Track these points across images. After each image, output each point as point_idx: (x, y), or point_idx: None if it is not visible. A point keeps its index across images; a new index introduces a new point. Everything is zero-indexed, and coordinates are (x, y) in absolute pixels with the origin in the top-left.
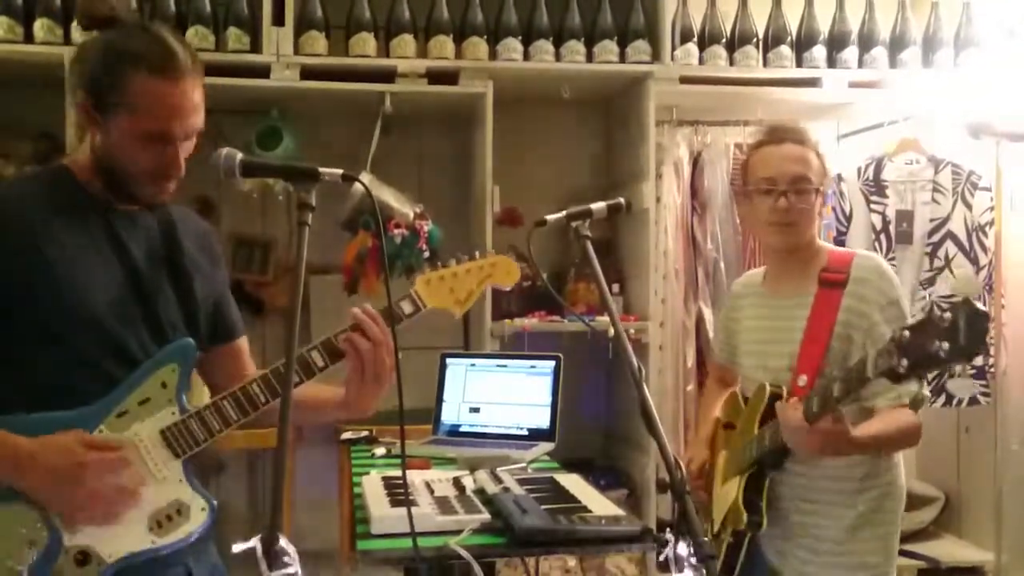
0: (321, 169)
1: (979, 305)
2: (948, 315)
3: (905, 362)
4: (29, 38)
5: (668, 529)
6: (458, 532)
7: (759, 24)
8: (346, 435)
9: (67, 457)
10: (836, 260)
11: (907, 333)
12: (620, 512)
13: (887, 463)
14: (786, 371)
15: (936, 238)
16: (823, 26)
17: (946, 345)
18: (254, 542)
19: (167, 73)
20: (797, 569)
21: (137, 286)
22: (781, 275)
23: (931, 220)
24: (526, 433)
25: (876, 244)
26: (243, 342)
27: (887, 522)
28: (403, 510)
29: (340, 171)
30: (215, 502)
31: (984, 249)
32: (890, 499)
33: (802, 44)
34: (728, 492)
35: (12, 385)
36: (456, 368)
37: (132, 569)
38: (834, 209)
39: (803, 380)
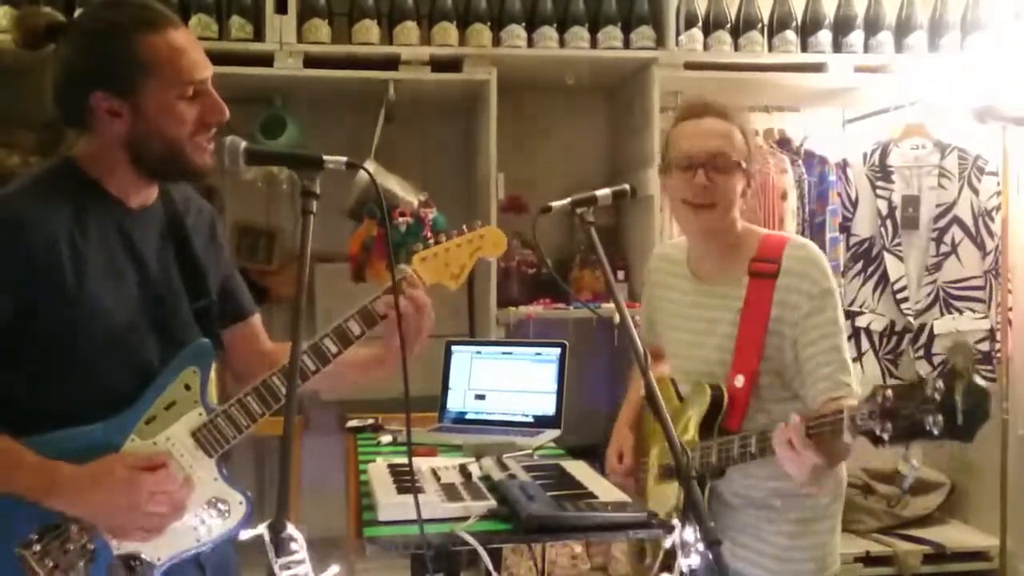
0: (325, 157)
1: (980, 380)
2: (942, 385)
3: (889, 427)
4: None
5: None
6: (464, 519)
7: (764, 9)
8: (352, 423)
9: (115, 477)
10: (767, 248)
11: (890, 394)
12: (626, 498)
13: None
14: (718, 365)
15: (942, 223)
16: (828, 10)
17: (940, 420)
18: (262, 529)
19: (167, 25)
20: (737, 560)
21: (151, 293)
22: (706, 259)
23: (937, 205)
24: (532, 420)
25: (882, 229)
26: (256, 319)
27: (830, 516)
28: (410, 497)
29: (344, 159)
30: (250, 494)
31: (991, 234)
32: (835, 485)
33: (807, 29)
34: (665, 494)
35: (32, 403)
36: (461, 355)
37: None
38: (840, 195)
39: (740, 381)
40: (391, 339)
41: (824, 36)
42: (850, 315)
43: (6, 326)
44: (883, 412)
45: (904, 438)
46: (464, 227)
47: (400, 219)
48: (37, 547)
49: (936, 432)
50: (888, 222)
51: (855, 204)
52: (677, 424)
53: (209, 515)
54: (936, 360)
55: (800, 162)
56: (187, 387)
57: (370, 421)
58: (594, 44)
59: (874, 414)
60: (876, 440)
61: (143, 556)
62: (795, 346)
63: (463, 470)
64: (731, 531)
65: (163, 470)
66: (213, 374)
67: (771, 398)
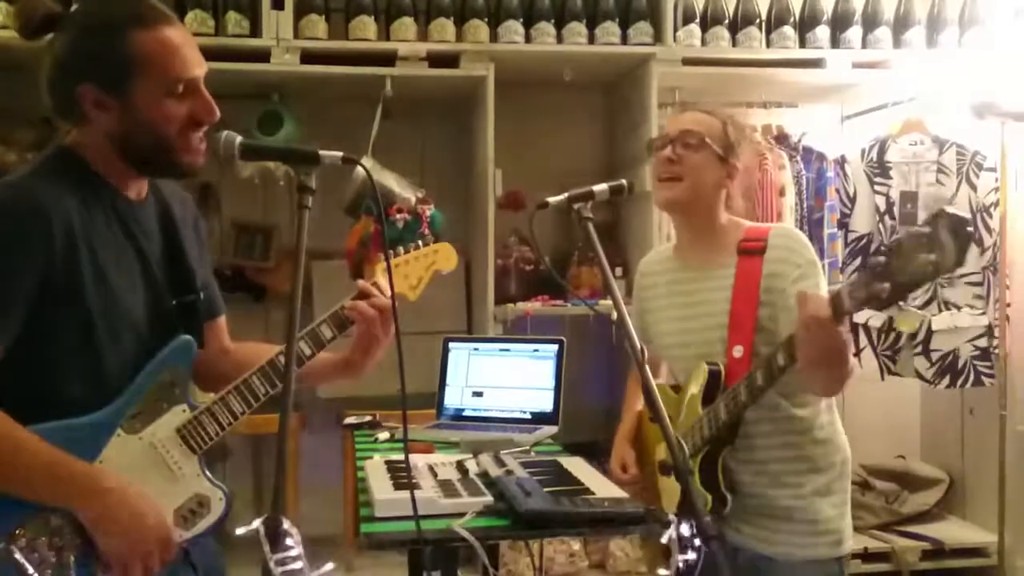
0: (321, 152)
1: (955, 210)
2: (927, 228)
3: (887, 285)
4: None
5: None
6: (461, 515)
7: (762, 4)
8: (349, 420)
9: (149, 512)
10: (753, 232)
11: (882, 259)
12: (623, 494)
13: (830, 421)
14: (716, 342)
15: None
16: (826, 6)
17: (933, 256)
18: (257, 524)
19: (160, 21)
20: (760, 543)
21: (151, 284)
22: (692, 248)
23: (935, 201)
24: (529, 417)
25: (880, 225)
26: (223, 319)
27: (842, 489)
28: (406, 493)
29: (340, 154)
30: (229, 491)
31: (989, 230)
32: (845, 467)
33: (805, 24)
34: (678, 489)
35: (28, 392)
36: (459, 352)
37: None
38: (838, 191)
39: (739, 351)
40: (360, 342)
41: (822, 32)
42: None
43: (29, 311)
44: (877, 275)
45: (904, 288)
46: (420, 242)
47: (397, 215)
48: (23, 541)
49: (932, 268)
50: (886, 218)
51: (853, 200)
52: (677, 413)
53: (191, 512)
54: (934, 356)
55: (798, 158)
56: (172, 383)
57: (367, 418)
58: (591, 40)
59: (869, 280)
60: (879, 302)
61: None
62: (784, 310)
63: (460, 466)
64: (744, 512)
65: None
66: None
67: None
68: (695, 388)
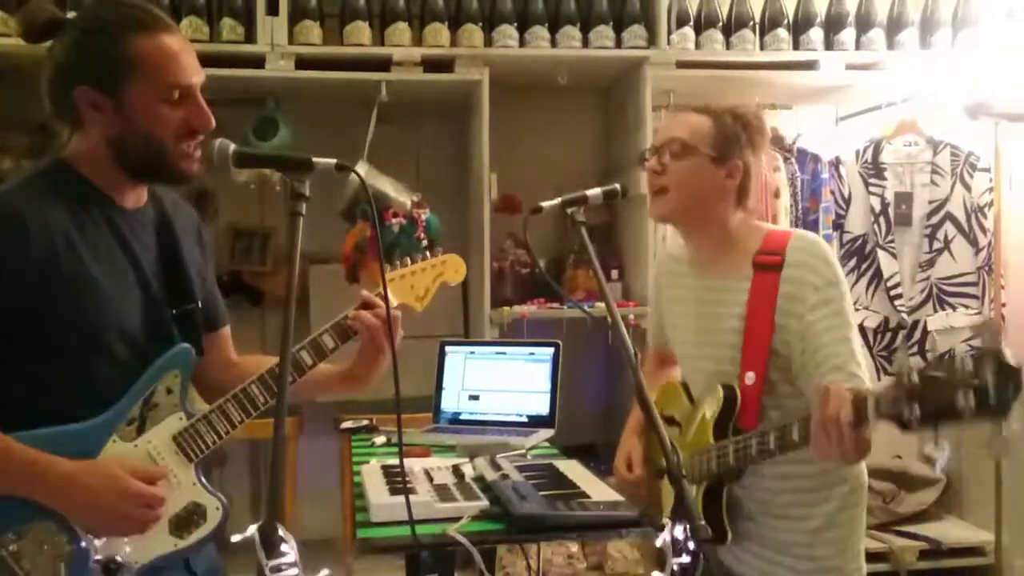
0: (314, 159)
1: (1009, 357)
2: (970, 365)
3: (917, 412)
4: None
5: None
6: (457, 519)
7: (755, 7)
8: (346, 424)
9: (111, 483)
10: (772, 242)
11: (916, 377)
12: (618, 497)
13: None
14: (729, 363)
15: (935, 220)
16: (820, 8)
17: (973, 401)
18: (252, 531)
19: (160, 28)
20: (754, 572)
21: (146, 293)
22: (704, 254)
23: (930, 202)
24: (526, 420)
25: (875, 226)
26: (227, 330)
27: (852, 520)
28: (402, 498)
29: (334, 160)
30: (226, 501)
31: (983, 230)
32: (853, 497)
33: (799, 27)
34: None
35: (17, 399)
36: (455, 356)
37: (152, 570)
38: (833, 192)
39: (751, 378)
40: (364, 353)
41: (816, 34)
42: None
43: (9, 320)
44: (910, 394)
45: (933, 420)
46: (428, 253)
47: (393, 220)
48: (13, 547)
49: (968, 413)
50: (881, 219)
51: (848, 201)
52: (690, 426)
53: (187, 520)
54: (930, 356)
55: (793, 160)
56: (168, 391)
57: (364, 422)
58: (586, 43)
59: (899, 397)
60: (903, 424)
61: (119, 559)
62: (802, 340)
63: (456, 471)
64: (743, 538)
65: (156, 487)
66: None
67: (785, 394)
68: (708, 412)
